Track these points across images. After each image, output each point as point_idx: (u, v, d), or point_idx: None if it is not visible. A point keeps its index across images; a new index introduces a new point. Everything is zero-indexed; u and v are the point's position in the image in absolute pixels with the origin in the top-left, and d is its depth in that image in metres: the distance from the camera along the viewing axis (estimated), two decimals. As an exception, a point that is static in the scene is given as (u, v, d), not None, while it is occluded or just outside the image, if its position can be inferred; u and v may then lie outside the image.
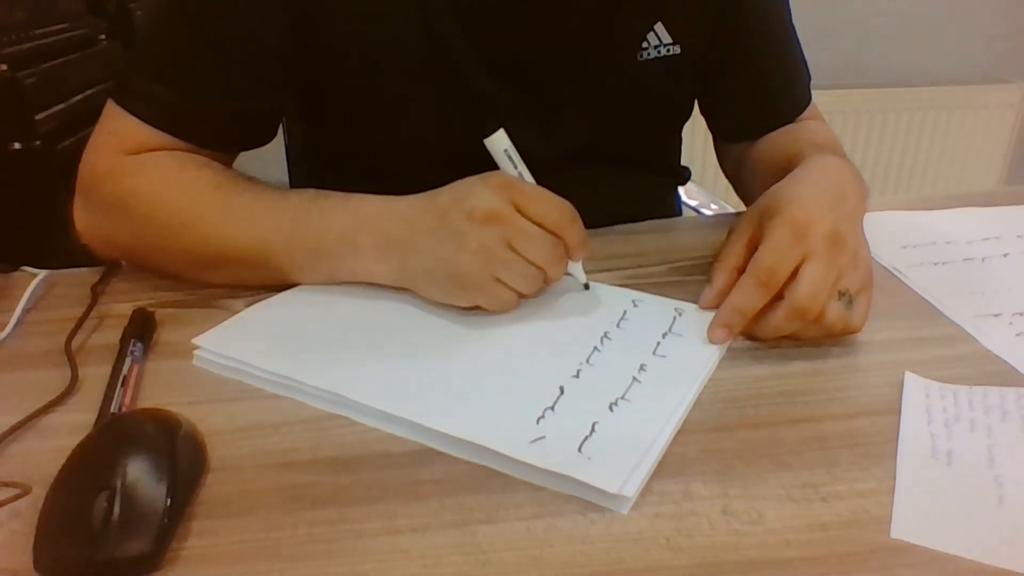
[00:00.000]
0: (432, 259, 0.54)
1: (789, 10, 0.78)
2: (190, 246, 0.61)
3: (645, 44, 0.71)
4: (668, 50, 0.71)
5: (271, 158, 0.79)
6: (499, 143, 0.57)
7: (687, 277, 0.64)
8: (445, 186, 0.56)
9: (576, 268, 0.59)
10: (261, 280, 0.60)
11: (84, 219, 0.65)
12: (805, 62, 0.80)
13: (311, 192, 0.60)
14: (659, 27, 0.70)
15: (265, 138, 0.70)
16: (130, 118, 0.63)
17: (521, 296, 0.56)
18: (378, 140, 0.72)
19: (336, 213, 0.58)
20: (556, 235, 0.54)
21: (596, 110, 0.73)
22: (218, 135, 0.66)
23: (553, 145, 0.72)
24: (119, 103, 0.64)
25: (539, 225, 0.53)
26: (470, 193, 0.54)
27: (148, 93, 0.64)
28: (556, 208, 0.54)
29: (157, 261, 0.64)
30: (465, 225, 0.53)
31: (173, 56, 0.64)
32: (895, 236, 0.72)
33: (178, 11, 0.64)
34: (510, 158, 0.57)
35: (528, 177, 0.58)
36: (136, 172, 0.62)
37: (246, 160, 0.71)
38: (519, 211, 0.53)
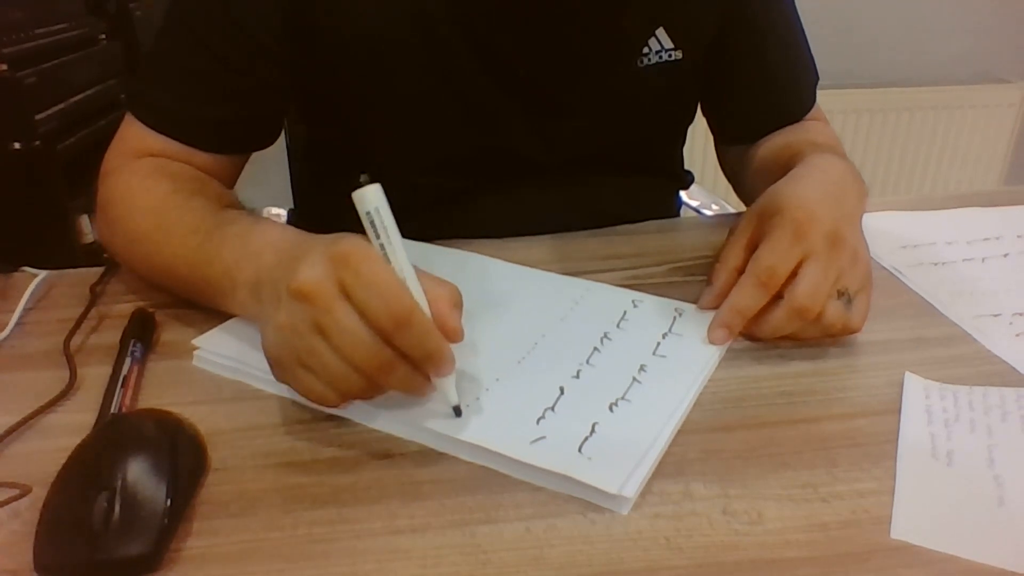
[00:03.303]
0: (261, 313, 0.47)
1: (795, 10, 0.78)
2: (137, 259, 0.61)
3: (646, 50, 0.70)
4: (669, 55, 0.71)
5: (272, 158, 0.79)
6: (364, 202, 0.42)
7: (687, 277, 0.64)
8: (324, 235, 0.46)
9: (444, 384, 0.44)
10: (200, 303, 0.56)
11: (96, 217, 0.66)
12: (813, 62, 0.79)
13: (229, 216, 0.56)
14: (660, 33, 0.70)
15: (267, 140, 0.71)
16: (136, 123, 0.65)
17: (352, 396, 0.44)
18: (379, 143, 0.72)
19: (230, 244, 0.52)
20: (383, 336, 0.41)
21: (597, 116, 0.73)
22: (218, 138, 0.66)
23: (554, 151, 0.72)
24: (129, 108, 0.66)
25: (363, 317, 0.41)
26: (304, 256, 0.43)
27: (150, 98, 0.65)
28: (387, 303, 0.41)
29: (128, 265, 0.64)
30: (282, 292, 0.43)
31: (173, 62, 0.65)
32: (895, 236, 0.72)
33: (178, 19, 0.65)
34: (372, 223, 0.42)
35: (395, 252, 0.43)
36: (119, 176, 0.63)
37: (248, 160, 0.71)
38: (345, 293, 0.41)
